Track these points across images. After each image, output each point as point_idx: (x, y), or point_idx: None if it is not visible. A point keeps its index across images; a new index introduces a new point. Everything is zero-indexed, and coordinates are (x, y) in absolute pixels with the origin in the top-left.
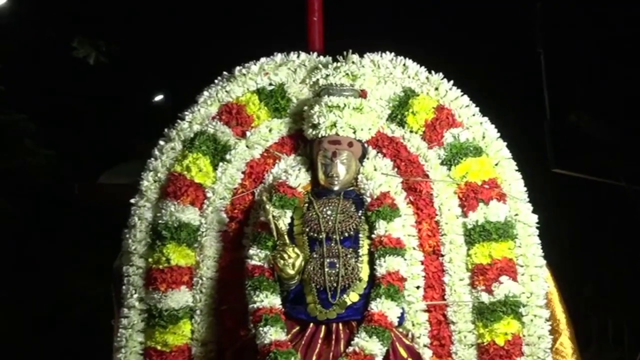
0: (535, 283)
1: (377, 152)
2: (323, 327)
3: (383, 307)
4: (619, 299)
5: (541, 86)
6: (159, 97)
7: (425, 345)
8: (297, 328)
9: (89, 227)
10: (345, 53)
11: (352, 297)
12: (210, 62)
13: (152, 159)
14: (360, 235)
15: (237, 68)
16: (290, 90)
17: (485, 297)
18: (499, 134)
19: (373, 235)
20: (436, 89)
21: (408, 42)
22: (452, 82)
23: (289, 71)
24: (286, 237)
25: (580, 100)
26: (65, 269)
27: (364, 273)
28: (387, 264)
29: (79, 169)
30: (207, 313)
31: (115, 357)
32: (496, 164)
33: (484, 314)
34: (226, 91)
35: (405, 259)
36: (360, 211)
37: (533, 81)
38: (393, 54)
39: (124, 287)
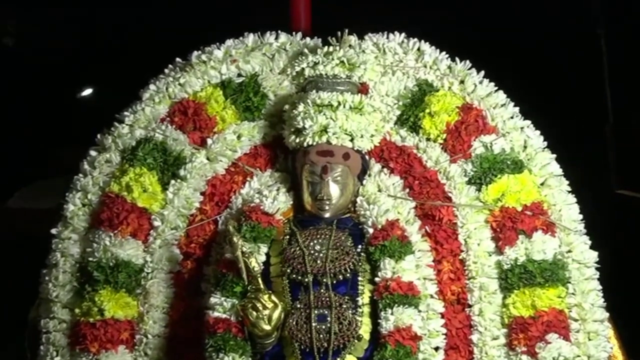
0: (594, 343)
1: (383, 167)
2: None
3: None
4: None
5: (602, 79)
6: (88, 91)
7: None
8: None
9: None
10: (339, 34)
11: None
12: (159, 44)
13: (80, 175)
14: (360, 278)
15: (195, 53)
16: (265, 84)
17: None
18: (545, 143)
19: (377, 279)
20: (461, 82)
21: (423, 20)
22: (482, 73)
23: (264, 57)
24: (260, 280)
25: None
26: None
27: (365, 329)
28: (396, 318)
29: None
30: None
31: None
32: (542, 183)
33: None
34: (180, 84)
35: (419, 311)
36: (360, 246)
37: (591, 73)
38: (404, 35)
39: (42, 346)
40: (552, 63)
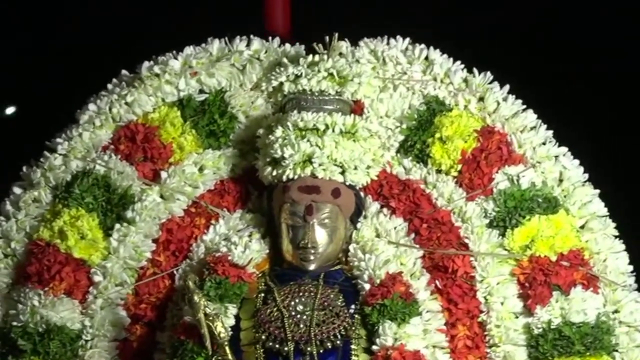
0: None
1: (382, 206)
2: None
3: None
4: None
5: None
6: (9, 111)
7: None
8: None
9: None
10: (327, 39)
11: None
12: (99, 52)
13: (1, 218)
14: (353, 346)
15: (145, 64)
16: (234, 102)
17: None
18: (586, 176)
19: (374, 347)
20: (481, 99)
21: (432, 22)
22: (507, 87)
23: (232, 69)
24: (228, 350)
25: None
26: None
27: None
28: None
29: None
30: None
31: None
32: (582, 226)
33: None
34: (126, 103)
35: None
36: (353, 306)
37: None
38: (408, 40)
39: None
40: (594, 71)
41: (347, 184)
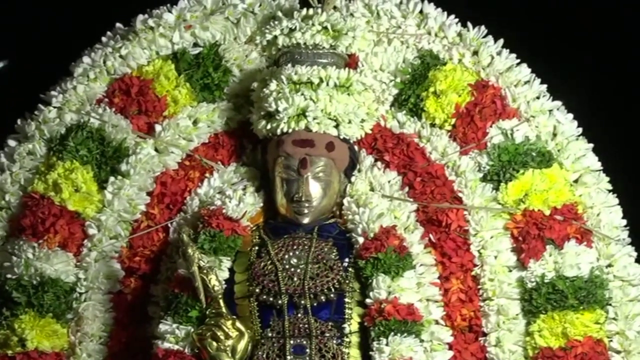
0: None
1: (376, 160)
2: None
3: None
4: None
5: None
6: (0, 64)
7: None
8: None
9: None
10: None
11: None
12: (93, 5)
13: None
14: (347, 299)
15: (139, 17)
16: (228, 56)
17: None
18: (580, 130)
19: (368, 300)
20: (475, 53)
21: None
22: (501, 41)
23: (227, 23)
24: (222, 303)
25: None
26: None
27: None
28: (392, 349)
29: None
30: None
31: None
32: (576, 181)
33: None
34: (121, 56)
35: (421, 341)
36: (347, 259)
37: None
38: None
39: None
40: (596, 28)
41: (341, 137)
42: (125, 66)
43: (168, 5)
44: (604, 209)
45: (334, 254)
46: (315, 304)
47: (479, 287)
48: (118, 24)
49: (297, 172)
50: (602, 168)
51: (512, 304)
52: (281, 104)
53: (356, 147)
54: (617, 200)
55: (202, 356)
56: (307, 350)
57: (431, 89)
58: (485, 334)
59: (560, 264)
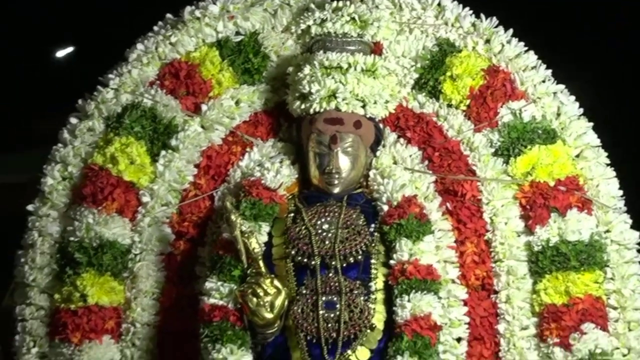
0: (635, 334)
1: (399, 137)
2: None
3: None
4: None
5: None
6: (66, 51)
7: None
8: None
9: None
10: None
11: (361, 355)
12: None
13: (60, 145)
14: (373, 261)
15: (188, 9)
16: (267, 43)
17: (560, 355)
18: (581, 110)
19: (392, 262)
20: (487, 41)
21: None
22: (511, 31)
23: (265, 14)
24: (261, 263)
25: None
26: None
27: (378, 318)
28: (413, 305)
29: None
30: None
31: None
32: (577, 155)
33: None
34: (171, 43)
35: (439, 298)
36: (373, 225)
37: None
38: None
39: (17, 337)
40: (594, 18)
41: (368, 116)
42: (174, 52)
43: None
44: (603, 181)
45: (361, 220)
46: (344, 265)
47: (491, 250)
48: (168, 15)
49: (328, 147)
50: (600, 144)
51: (521, 265)
52: (314, 86)
53: (381, 125)
54: (614, 173)
55: (244, 311)
56: (337, 305)
57: (448, 73)
58: (496, 292)
59: (563, 229)
